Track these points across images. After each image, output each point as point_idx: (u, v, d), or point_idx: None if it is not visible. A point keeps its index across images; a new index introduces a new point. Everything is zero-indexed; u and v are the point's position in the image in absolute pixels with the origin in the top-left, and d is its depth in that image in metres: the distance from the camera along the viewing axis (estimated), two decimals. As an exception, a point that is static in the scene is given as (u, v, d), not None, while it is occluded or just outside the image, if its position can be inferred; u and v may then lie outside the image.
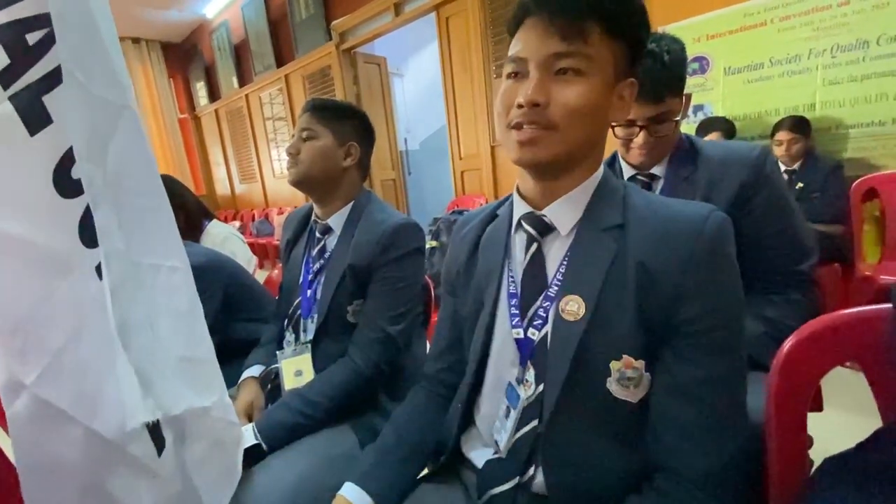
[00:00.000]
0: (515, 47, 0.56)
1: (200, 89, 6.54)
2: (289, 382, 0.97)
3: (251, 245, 2.73)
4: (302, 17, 4.42)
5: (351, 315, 0.99)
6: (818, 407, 0.87)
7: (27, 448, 0.51)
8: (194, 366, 0.61)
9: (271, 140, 5.49)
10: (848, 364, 0.59)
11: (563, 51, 0.52)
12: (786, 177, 1.98)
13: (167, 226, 0.60)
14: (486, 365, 0.66)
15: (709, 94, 2.25)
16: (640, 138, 0.92)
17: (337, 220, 1.04)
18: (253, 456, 0.81)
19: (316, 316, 1.01)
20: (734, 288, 0.53)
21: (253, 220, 5.45)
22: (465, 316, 0.70)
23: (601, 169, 0.61)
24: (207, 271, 1.15)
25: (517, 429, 0.59)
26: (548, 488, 0.57)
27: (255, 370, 1.06)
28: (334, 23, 4.04)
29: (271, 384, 1.04)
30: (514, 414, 0.60)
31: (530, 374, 0.59)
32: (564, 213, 0.60)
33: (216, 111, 6.37)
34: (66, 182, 0.49)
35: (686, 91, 0.93)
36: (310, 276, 1.05)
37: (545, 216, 0.60)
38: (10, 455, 0.53)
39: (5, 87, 0.47)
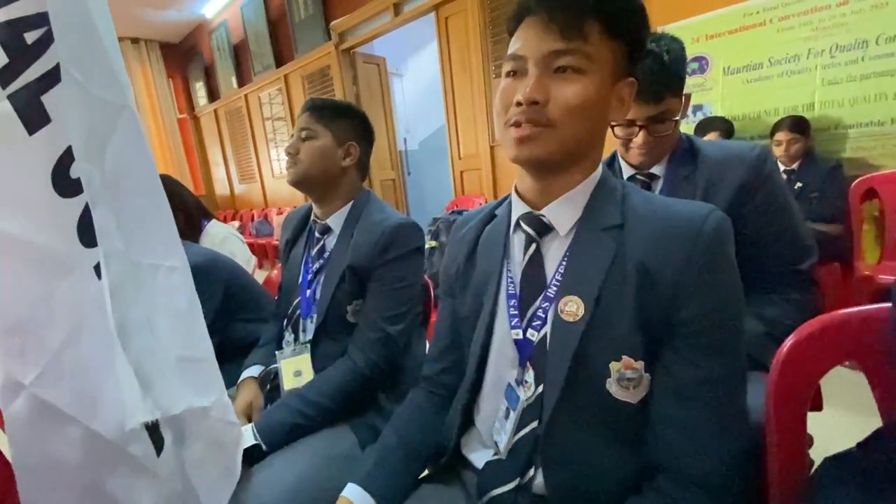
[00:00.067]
0: (515, 45, 0.56)
1: (199, 89, 6.54)
2: (288, 383, 0.97)
3: (250, 245, 2.72)
4: (301, 17, 4.42)
5: (350, 315, 0.99)
6: (818, 406, 0.86)
7: (25, 448, 0.51)
8: (193, 366, 0.61)
9: (270, 140, 5.49)
10: (848, 364, 0.59)
11: (563, 48, 0.52)
12: (785, 177, 1.98)
13: (166, 226, 0.60)
14: (486, 366, 0.66)
15: (708, 94, 2.25)
16: (639, 138, 0.92)
17: (336, 220, 1.03)
18: (252, 456, 0.81)
19: (315, 316, 1.01)
20: (734, 288, 0.53)
21: (252, 220, 5.44)
22: (465, 317, 0.70)
23: (600, 168, 0.61)
24: (207, 271, 1.15)
25: (517, 430, 0.59)
26: (548, 489, 0.57)
27: (254, 370, 1.06)
28: (333, 23, 4.04)
29: (270, 384, 1.03)
30: (513, 415, 0.60)
31: (530, 375, 0.59)
32: (563, 213, 0.59)
33: (215, 111, 6.37)
34: (64, 181, 0.49)
35: (685, 91, 0.93)
36: (309, 276, 1.05)
37: (544, 216, 0.60)
38: (8, 455, 0.53)
39: (4, 86, 0.47)
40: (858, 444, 0.50)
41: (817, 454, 0.57)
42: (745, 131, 2.18)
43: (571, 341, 0.54)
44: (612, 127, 0.92)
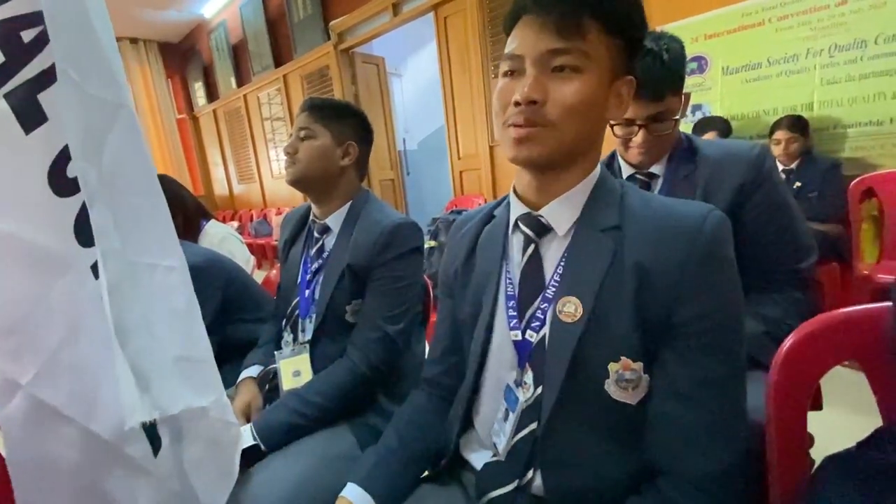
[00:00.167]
0: (511, 45, 0.55)
1: (198, 89, 6.53)
2: (287, 383, 0.97)
3: (249, 245, 2.72)
4: (300, 17, 4.42)
5: (349, 315, 0.99)
6: (818, 406, 0.86)
7: (21, 448, 0.51)
8: (192, 365, 0.61)
9: (269, 140, 5.48)
10: (847, 363, 0.59)
11: (560, 47, 0.51)
12: (783, 176, 1.98)
13: (164, 225, 0.60)
14: (485, 367, 0.66)
15: (707, 94, 2.25)
16: (639, 137, 0.91)
17: (335, 220, 1.03)
18: (251, 456, 0.81)
19: (314, 316, 1.00)
20: (733, 288, 0.53)
21: (251, 220, 5.44)
22: (464, 318, 0.69)
23: (598, 168, 0.60)
24: (205, 271, 1.15)
25: (516, 431, 0.59)
26: (547, 491, 0.57)
27: (253, 370, 1.06)
28: (332, 23, 4.04)
29: (269, 384, 1.03)
30: (512, 417, 0.60)
31: (529, 377, 0.59)
32: (561, 213, 0.59)
33: (214, 111, 6.36)
34: (61, 181, 0.49)
35: (685, 90, 0.93)
36: (308, 276, 1.04)
37: (542, 217, 0.60)
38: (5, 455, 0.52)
39: (0, 85, 0.46)
40: (858, 444, 0.50)
41: (817, 454, 0.57)
42: (744, 131, 2.18)
43: (570, 342, 0.54)
44: (612, 126, 0.92)
